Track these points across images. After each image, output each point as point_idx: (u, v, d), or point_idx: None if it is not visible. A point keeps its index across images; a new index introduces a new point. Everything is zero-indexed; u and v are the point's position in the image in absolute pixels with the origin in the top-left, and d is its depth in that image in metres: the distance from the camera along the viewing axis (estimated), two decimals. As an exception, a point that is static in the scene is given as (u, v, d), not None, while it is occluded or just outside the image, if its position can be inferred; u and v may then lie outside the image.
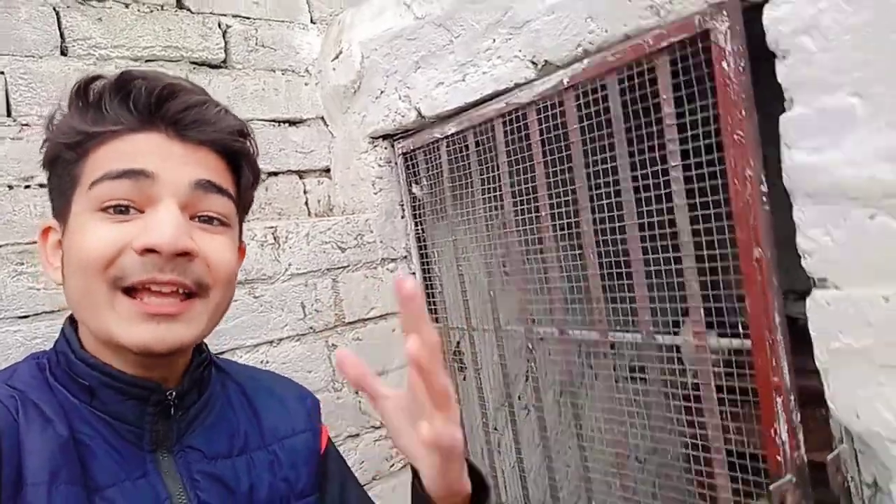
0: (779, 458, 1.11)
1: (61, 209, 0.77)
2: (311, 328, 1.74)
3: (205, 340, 0.88)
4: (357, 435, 1.77)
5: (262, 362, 1.65)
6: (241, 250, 0.91)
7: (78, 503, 0.71)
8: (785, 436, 1.11)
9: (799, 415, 1.13)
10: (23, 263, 1.37)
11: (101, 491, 0.74)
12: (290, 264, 1.73)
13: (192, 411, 0.84)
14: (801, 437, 1.12)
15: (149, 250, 0.70)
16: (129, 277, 0.71)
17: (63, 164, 0.76)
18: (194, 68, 1.91)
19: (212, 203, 0.77)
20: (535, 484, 1.76)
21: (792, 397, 1.12)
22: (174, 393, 0.80)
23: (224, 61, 1.97)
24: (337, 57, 1.98)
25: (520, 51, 1.50)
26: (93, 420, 0.77)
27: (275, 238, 1.72)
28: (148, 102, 0.74)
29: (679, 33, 1.19)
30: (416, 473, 0.72)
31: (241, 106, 1.97)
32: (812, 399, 1.17)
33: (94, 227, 0.72)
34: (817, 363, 1.09)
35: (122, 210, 0.72)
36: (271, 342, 1.68)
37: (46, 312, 1.38)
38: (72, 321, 0.83)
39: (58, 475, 0.71)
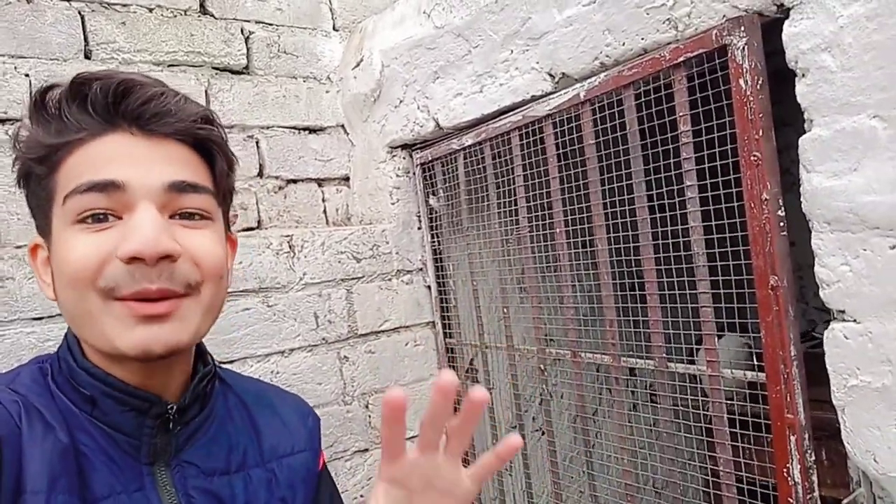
0: (790, 499, 1.05)
1: (44, 226, 0.76)
2: (323, 339, 1.72)
3: (212, 351, 0.87)
4: (366, 450, 1.75)
5: (272, 372, 1.64)
6: (233, 242, 0.89)
7: None
8: (798, 476, 1.05)
9: (814, 454, 1.06)
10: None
11: (98, 502, 0.73)
12: (304, 273, 1.72)
13: (191, 426, 0.83)
14: (815, 478, 1.06)
15: (134, 258, 0.69)
16: (120, 289, 0.69)
17: (36, 179, 0.75)
18: (216, 74, 1.91)
19: (189, 201, 0.75)
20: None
21: (806, 435, 1.06)
22: (174, 407, 0.79)
23: (246, 67, 1.97)
24: (358, 65, 1.96)
25: (537, 62, 1.46)
26: (92, 430, 0.76)
27: (290, 246, 1.71)
28: (105, 102, 0.71)
29: (696, 48, 1.14)
30: None
31: (262, 112, 1.97)
32: (836, 433, 1.11)
33: (74, 240, 0.70)
34: (834, 400, 1.03)
35: (99, 218, 0.71)
36: (283, 352, 1.66)
37: (60, 315, 1.38)
38: None
39: (57, 484, 0.70)
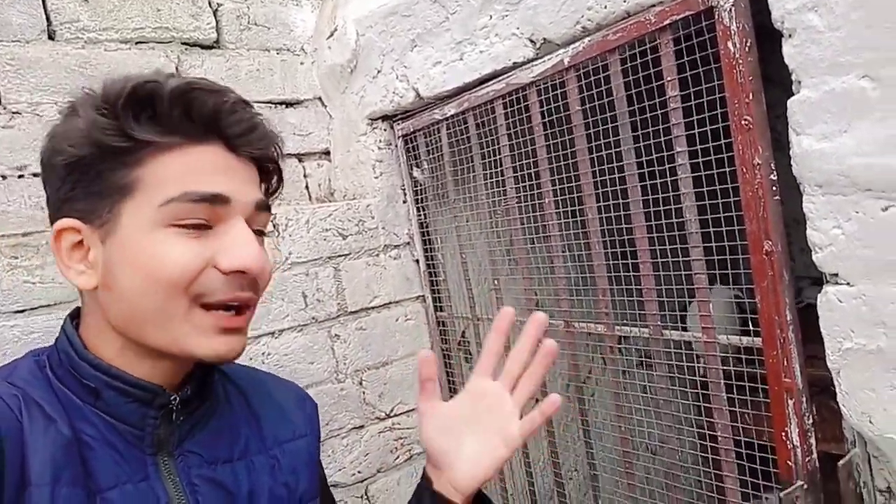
0: (789, 462, 1.06)
1: (100, 214, 0.74)
2: (313, 318, 1.71)
3: None
4: (361, 427, 1.75)
5: (263, 354, 1.62)
6: None
7: None
8: (796, 439, 1.06)
9: (811, 417, 1.07)
10: (17, 257, 1.35)
11: (103, 493, 0.74)
12: (290, 252, 1.69)
13: (194, 415, 0.84)
14: (812, 440, 1.07)
15: (237, 271, 0.73)
16: (213, 295, 0.73)
17: (97, 165, 0.73)
18: (186, 49, 1.85)
19: (262, 219, 0.81)
20: (542, 476, 1.73)
21: (804, 398, 1.07)
22: (178, 398, 0.80)
23: (216, 41, 1.91)
24: (332, 35, 1.91)
25: (518, 28, 1.42)
26: (95, 420, 0.77)
27: (274, 226, 1.68)
28: (210, 115, 0.74)
29: (682, 10, 1.11)
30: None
31: (236, 87, 1.83)
32: (825, 389, 1.11)
33: (169, 243, 0.72)
34: (829, 363, 1.04)
35: (198, 226, 0.73)
36: (272, 333, 1.65)
37: (43, 307, 1.36)
38: (72, 318, 0.83)
39: (61, 476, 0.71)
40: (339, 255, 1.77)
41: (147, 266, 0.72)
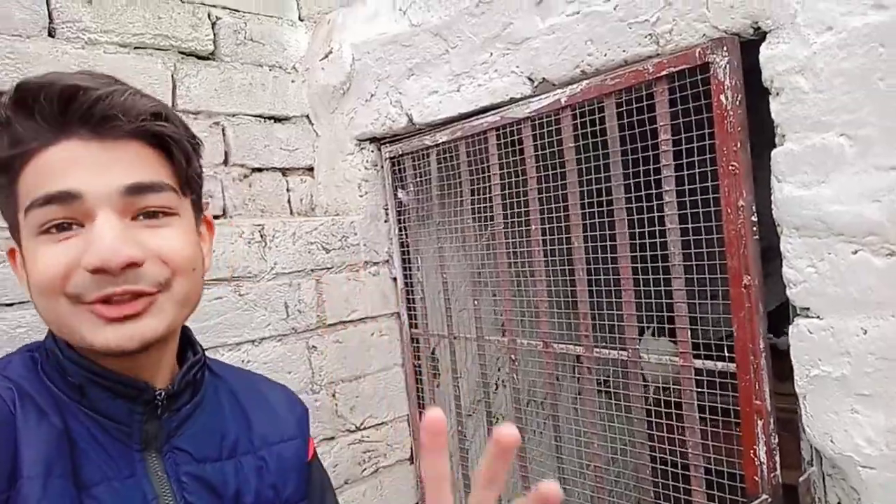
0: (756, 478, 1.16)
1: (15, 232, 0.76)
2: (293, 329, 1.74)
3: (201, 343, 0.88)
4: (332, 438, 1.78)
5: (243, 361, 1.64)
6: (209, 224, 0.90)
7: (69, 499, 0.72)
8: (763, 457, 1.16)
9: (776, 437, 1.18)
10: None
11: (90, 489, 0.74)
12: (275, 263, 1.73)
13: (182, 413, 0.84)
14: (777, 458, 1.17)
15: (98, 269, 0.69)
16: (86, 295, 0.70)
17: (0, 188, 0.76)
18: (183, 58, 1.89)
19: (149, 200, 0.75)
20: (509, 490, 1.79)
21: (772, 420, 1.17)
22: (163, 394, 0.80)
23: (212, 53, 1.95)
24: (326, 56, 1.97)
25: (517, 66, 1.52)
26: (83, 418, 0.76)
27: (262, 236, 1.71)
28: (52, 110, 0.70)
29: (680, 64, 1.23)
30: None
31: (228, 99, 1.95)
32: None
33: (41, 250, 0.71)
34: (796, 388, 1.15)
35: (63, 227, 0.71)
36: (253, 341, 1.67)
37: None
38: None
39: (53, 469, 0.71)
40: (322, 268, 1.81)
41: (31, 276, 0.73)
